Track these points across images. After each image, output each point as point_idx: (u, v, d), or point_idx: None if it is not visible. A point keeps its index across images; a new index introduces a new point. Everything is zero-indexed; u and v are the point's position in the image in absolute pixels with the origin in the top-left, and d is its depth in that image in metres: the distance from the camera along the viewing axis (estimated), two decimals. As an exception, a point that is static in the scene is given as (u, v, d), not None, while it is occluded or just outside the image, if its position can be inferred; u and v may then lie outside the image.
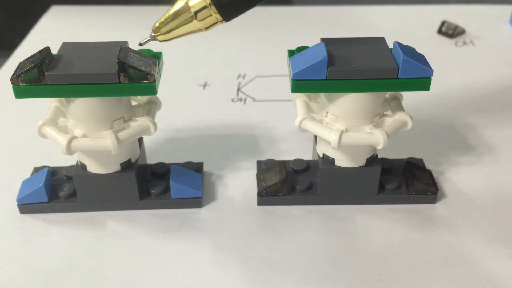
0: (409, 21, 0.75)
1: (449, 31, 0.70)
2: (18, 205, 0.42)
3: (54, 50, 0.38)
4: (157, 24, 0.35)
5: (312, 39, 0.43)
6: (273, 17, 0.78)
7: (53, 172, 0.44)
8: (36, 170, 0.45)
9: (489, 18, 0.76)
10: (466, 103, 0.56)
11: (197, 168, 0.45)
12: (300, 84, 0.36)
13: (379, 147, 0.38)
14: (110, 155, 0.39)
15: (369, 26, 0.74)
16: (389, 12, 0.79)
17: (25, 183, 0.42)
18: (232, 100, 0.57)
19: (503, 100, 0.56)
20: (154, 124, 0.39)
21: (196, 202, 0.42)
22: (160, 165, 0.44)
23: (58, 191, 0.42)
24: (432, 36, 0.71)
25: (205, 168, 0.47)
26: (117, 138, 0.37)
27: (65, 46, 0.38)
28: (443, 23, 0.71)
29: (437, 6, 0.80)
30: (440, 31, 0.71)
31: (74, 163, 0.42)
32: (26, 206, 0.42)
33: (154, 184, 0.43)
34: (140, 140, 0.44)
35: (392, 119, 0.40)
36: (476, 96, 0.57)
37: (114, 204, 0.42)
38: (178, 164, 0.44)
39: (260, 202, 0.43)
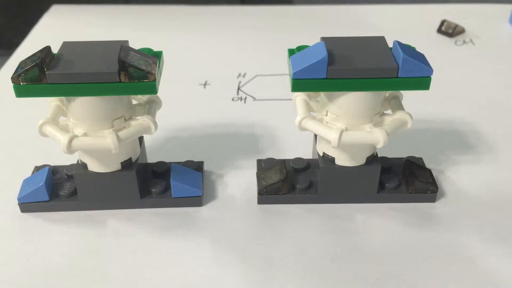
0: (409, 20, 0.76)
1: (449, 30, 0.70)
2: (19, 204, 0.42)
3: (55, 49, 0.38)
4: None
5: (312, 39, 0.43)
6: (273, 17, 0.78)
7: (53, 171, 0.44)
8: (37, 169, 0.45)
9: (489, 17, 0.76)
10: (466, 102, 0.56)
11: (198, 167, 0.45)
12: (300, 83, 0.36)
13: (379, 146, 0.38)
14: (110, 154, 0.39)
15: (369, 25, 0.74)
16: (389, 11, 0.79)
17: (26, 182, 0.42)
18: (232, 99, 0.57)
19: (502, 99, 0.57)
20: (155, 123, 0.39)
21: (197, 200, 0.42)
22: (161, 164, 0.44)
23: (58, 190, 0.42)
24: (432, 35, 0.71)
25: (206, 167, 0.47)
26: (117, 137, 0.37)
27: (66, 45, 0.38)
28: (442, 22, 0.71)
29: (437, 5, 0.80)
30: (439, 30, 0.71)
31: (74, 162, 0.42)
32: (27, 205, 0.42)
33: (154, 183, 0.43)
34: (141, 139, 0.44)
35: (392, 118, 0.40)
36: (476, 95, 0.57)
37: (115, 203, 0.42)
38: (179, 163, 0.45)
39: (260, 201, 0.43)
